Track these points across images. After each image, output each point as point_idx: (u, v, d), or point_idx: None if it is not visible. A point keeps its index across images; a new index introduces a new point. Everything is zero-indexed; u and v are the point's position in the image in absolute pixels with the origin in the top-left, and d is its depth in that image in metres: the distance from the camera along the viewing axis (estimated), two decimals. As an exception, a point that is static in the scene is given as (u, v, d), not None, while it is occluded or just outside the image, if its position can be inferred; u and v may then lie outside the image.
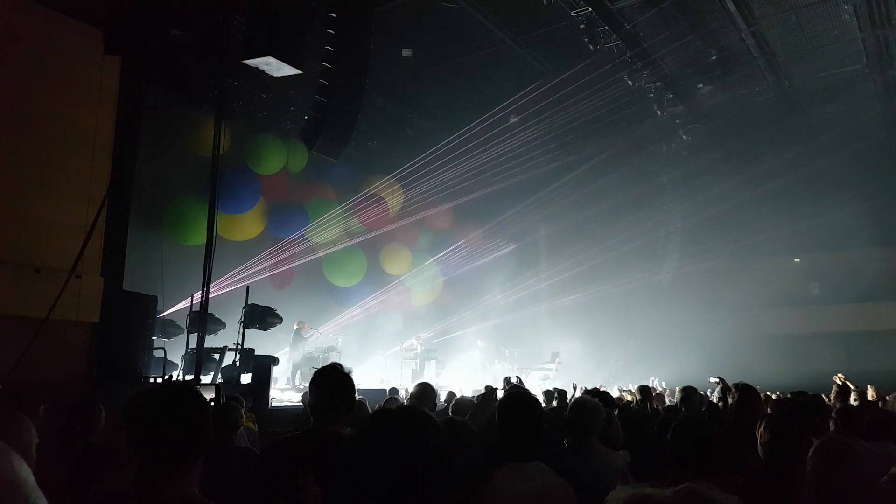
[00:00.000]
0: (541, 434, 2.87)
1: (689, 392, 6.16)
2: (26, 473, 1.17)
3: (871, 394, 9.11)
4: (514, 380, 9.42)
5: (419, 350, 16.00)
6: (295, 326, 13.87)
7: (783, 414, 5.02)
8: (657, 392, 10.31)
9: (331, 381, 2.80)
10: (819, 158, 17.90)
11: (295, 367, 13.58)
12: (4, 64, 8.49)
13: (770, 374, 18.06)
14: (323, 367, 2.96)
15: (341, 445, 2.51)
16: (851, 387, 8.53)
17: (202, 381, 9.79)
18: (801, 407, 5.60)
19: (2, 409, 3.57)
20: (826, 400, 7.44)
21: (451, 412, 4.85)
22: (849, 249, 22.77)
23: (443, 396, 8.29)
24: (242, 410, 5.48)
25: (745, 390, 4.58)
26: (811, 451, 2.90)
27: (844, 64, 14.28)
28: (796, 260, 25.13)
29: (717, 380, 7.61)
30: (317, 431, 2.73)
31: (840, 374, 9.11)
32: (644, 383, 10.55)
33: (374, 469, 1.52)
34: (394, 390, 9.43)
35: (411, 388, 9.02)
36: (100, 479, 3.56)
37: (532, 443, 2.81)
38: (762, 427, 3.36)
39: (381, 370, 15.45)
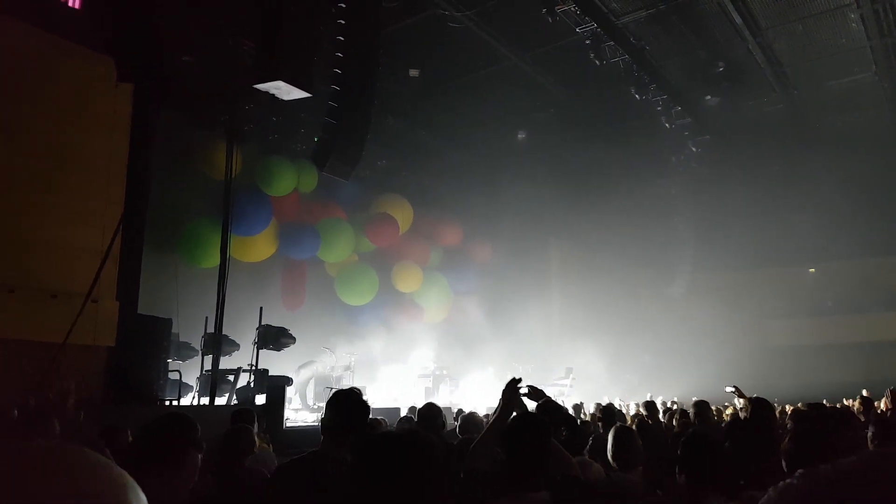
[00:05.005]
0: (547, 461, 2.64)
1: (702, 407, 6.13)
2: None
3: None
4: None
5: (432, 368, 15.95)
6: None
7: (807, 424, 4.97)
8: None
9: (347, 403, 2.81)
10: (830, 167, 17.82)
11: (306, 387, 13.56)
12: (18, 92, 8.65)
13: (786, 386, 17.88)
14: (341, 390, 2.99)
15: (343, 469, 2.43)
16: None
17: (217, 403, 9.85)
18: (826, 418, 5.54)
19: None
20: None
21: (459, 430, 4.80)
22: (864, 259, 22.58)
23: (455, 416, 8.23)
24: (255, 434, 5.37)
25: (758, 404, 4.56)
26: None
27: (853, 72, 14.25)
28: (811, 270, 24.93)
29: (733, 389, 7.50)
30: (324, 454, 2.73)
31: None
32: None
33: (370, 493, 1.48)
34: (412, 409, 9.39)
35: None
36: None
37: (538, 471, 2.58)
38: (787, 438, 3.35)
39: (394, 389, 15.42)
